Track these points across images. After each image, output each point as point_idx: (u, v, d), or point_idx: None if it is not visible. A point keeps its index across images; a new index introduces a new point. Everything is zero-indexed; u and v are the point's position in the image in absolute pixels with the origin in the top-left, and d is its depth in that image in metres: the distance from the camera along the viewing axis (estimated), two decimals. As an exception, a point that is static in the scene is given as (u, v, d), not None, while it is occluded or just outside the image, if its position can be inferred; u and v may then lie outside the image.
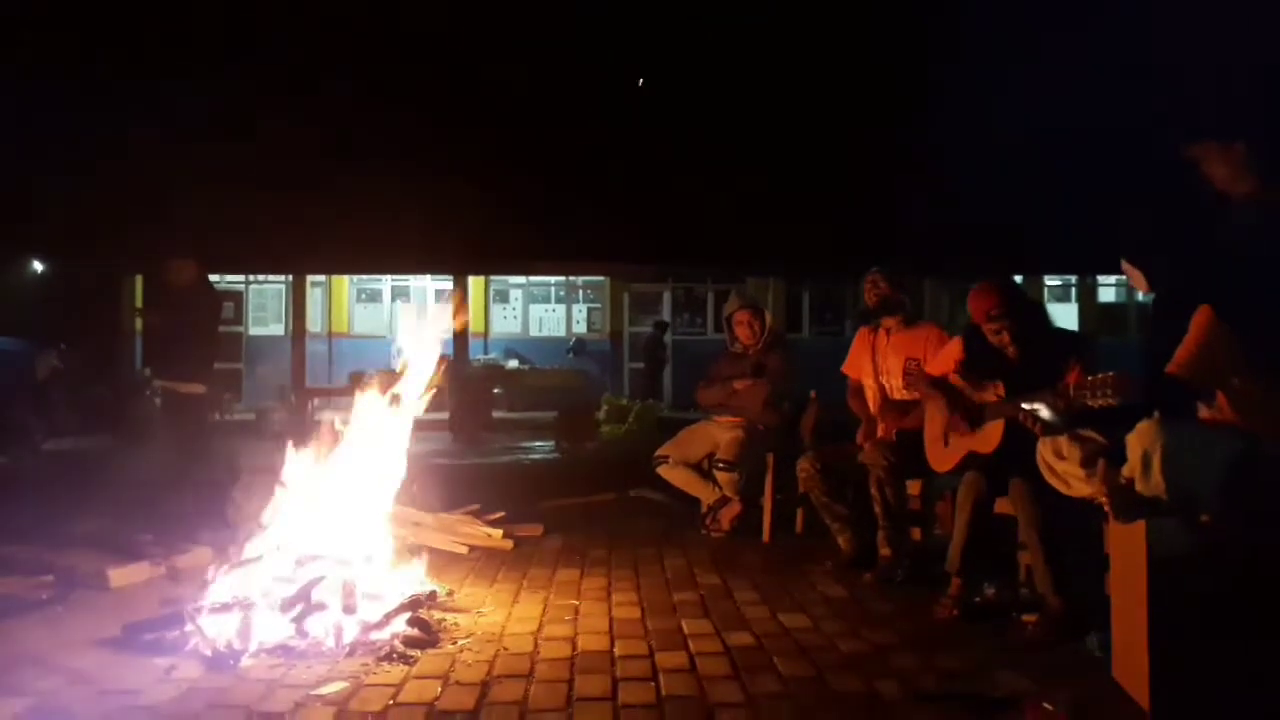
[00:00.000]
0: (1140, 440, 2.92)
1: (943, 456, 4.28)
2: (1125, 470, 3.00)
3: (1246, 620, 2.87)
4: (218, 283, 14.36)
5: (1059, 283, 19.41)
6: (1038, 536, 3.64)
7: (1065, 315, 16.78)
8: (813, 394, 5.77)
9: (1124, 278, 16.38)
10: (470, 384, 12.88)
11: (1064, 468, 3.32)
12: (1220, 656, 2.87)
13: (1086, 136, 11.46)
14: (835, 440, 5.18)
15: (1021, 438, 3.70)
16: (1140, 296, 19.16)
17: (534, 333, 19.21)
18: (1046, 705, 2.69)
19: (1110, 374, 3.23)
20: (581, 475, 8.22)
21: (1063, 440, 3.39)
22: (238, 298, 17.83)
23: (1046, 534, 3.62)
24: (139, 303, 14.41)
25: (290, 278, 17.34)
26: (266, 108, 11.82)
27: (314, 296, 18.03)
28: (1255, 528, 2.91)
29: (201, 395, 6.48)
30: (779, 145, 12.77)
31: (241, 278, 18.00)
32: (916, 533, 4.73)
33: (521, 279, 19.09)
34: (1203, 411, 3.05)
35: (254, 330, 18.27)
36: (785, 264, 15.19)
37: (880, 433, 4.87)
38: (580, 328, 19.32)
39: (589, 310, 19.54)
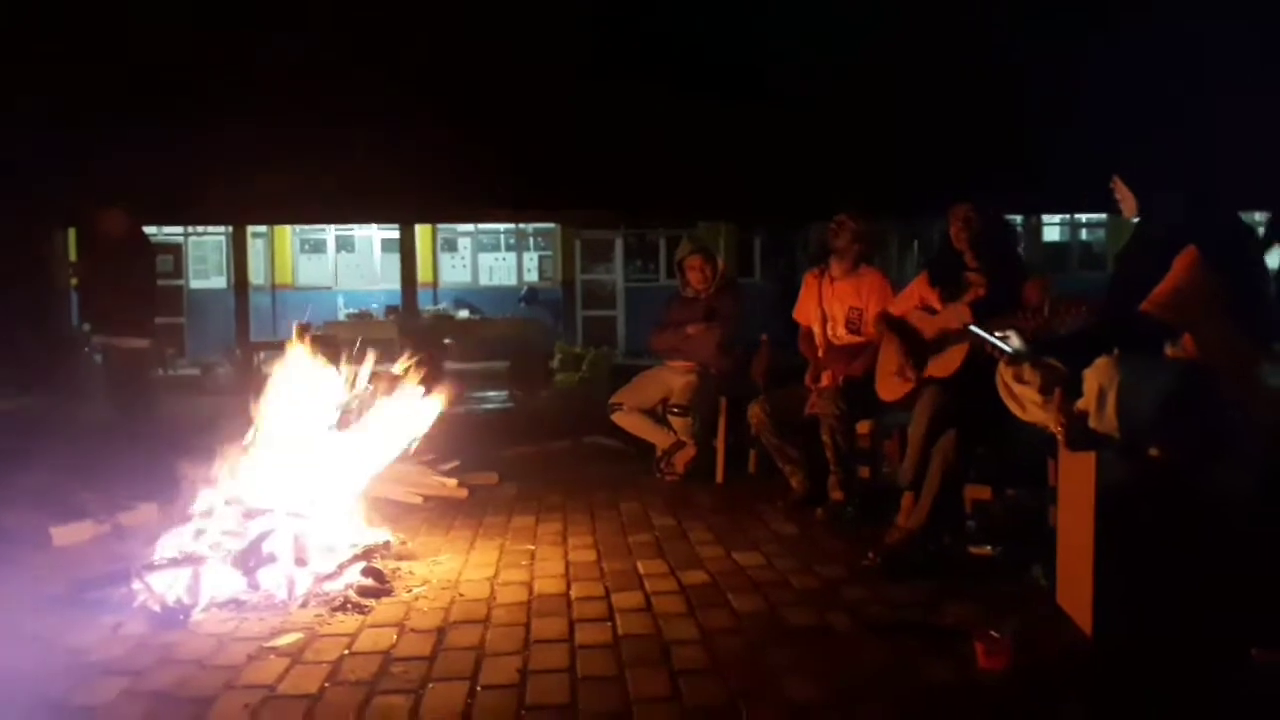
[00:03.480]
0: (1097, 376, 2.96)
1: (894, 385, 4.33)
2: (1080, 403, 3.05)
3: (1189, 551, 2.96)
4: (154, 235, 13.98)
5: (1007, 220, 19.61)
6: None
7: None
8: (764, 337, 5.80)
9: (1068, 217, 16.52)
10: (420, 335, 12.73)
11: (1022, 390, 3.36)
12: (1162, 585, 2.96)
13: (1045, 73, 11.44)
14: (786, 382, 5.22)
15: (980, 365, 3.76)
16: (1085, 225, 19.51)
17: (484, 282, 19.01)
18: (993, 633, 2.75)
19: (1083, 305, 3.28)
20: (536, 424, 8.20)
21: (1025, 366, 3.44)
22: (176, 250, 17.40)
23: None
24: (72, 256, 14.00)
25: (230, 229, 16.92)
26: (204, 54, 11.42)
27: (255, 248, 17.65)
28: (1204, 463, 2.98)
29: (143, 350, 6.33)
30: (729, 90, 12.66)
31: (179, 229, 17.54)
32: (865, 471, 4.80)
33: (470, 227, 18.84)
34: (1168, 349, 3.10)
35: (195, 283, 17.88)
36: (736, 209, 15.16)
37: (826, 380, 4.91)
38: (531, 276, 19.16)
39: (540, 258, 19.36)
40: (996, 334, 3.53)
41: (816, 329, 5.15)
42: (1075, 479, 3.15)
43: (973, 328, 3.77)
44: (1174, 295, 2.99)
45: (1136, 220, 3.43)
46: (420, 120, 11.66)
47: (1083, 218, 19.07)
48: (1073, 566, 3.15)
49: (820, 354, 5.08)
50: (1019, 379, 3.38)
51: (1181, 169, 3.38)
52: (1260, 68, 9.84)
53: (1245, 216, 3.24)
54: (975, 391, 3.69)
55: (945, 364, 4.06)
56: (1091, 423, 2.98)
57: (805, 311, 5.24)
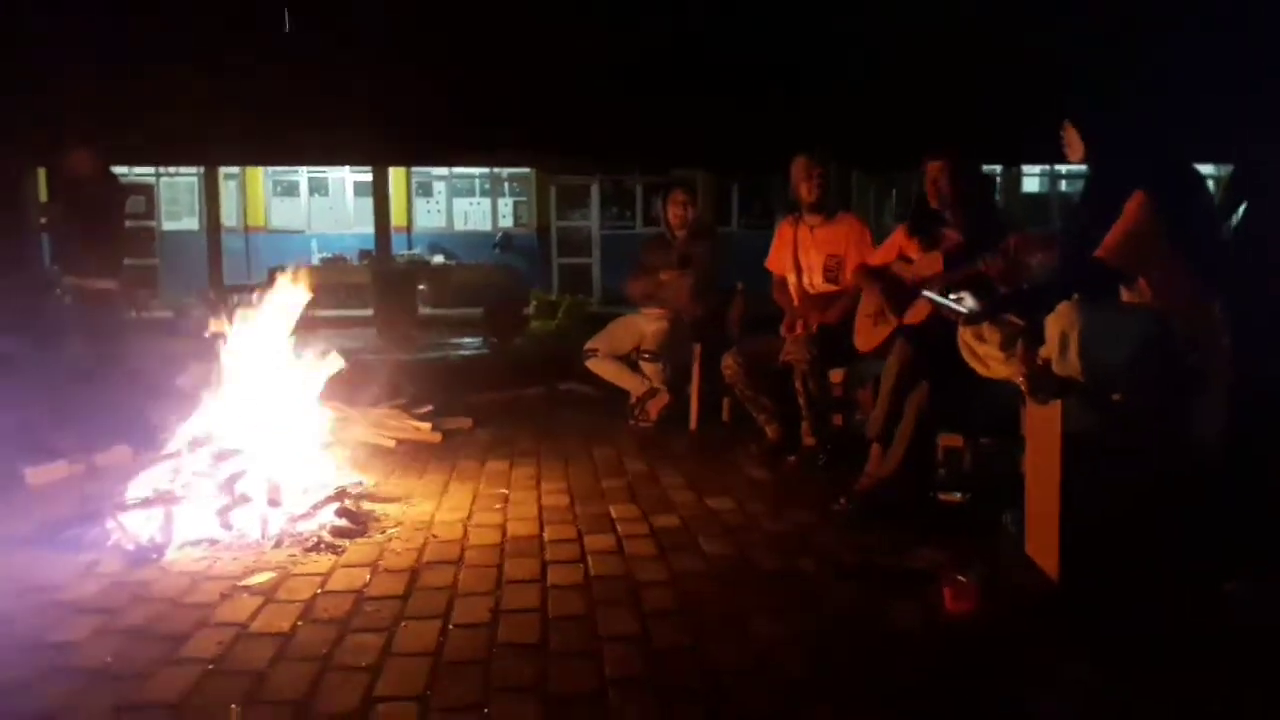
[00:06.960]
0: (1059, 322, 3.00)
1: (871, 335, 4.37)
2: (1043, 351, 3.09)
3: (1152, 497, 3.01)
4: (125, 175, 13.71)
5: (985, 172, 19.60)
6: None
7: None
8: (739, 285, 5.80)
9: (1048, 168, 16.46)
10: (394, 280, 12.63)
11: (984, 350, 3.39)
12: (1125, 531, 3.02)
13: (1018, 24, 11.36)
14: (761, 331, 5.23)
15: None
16: (1064, 177, 19.55)
17: (459, 227, 18.81)
18: (960, 577, 2.80)
19: (1050, 232, 3.31)
20: (510, 370, 8.19)
21: (983, 325, 3.46)
22: (148, 191, 17.10)
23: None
24: (43, 197, 13.76)
25: (202, 170, 16.63)
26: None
27: (228, 189, 17.38)
28: (1164, 405, 3.03)
29: (114, 291, 6.28)
30: (704, 35, 12.51)
31: (151, 170, 17.24)
32: (838, 419, 4.84)
33: (444, 171, 18.60)
34: (1124, 294, 3.14)
35: (168, 225, 17.62)
36: (713, 157, 15.07)
37: (800, 328, 4.91)
38: (506, 222, 18.98)
39: (515, 204, 19.16)
40: (951, 297, 3.56)
41: (791, 278, 5.13)
42: (1041, 427, 3.20)
43: (926, 293, 3.81)
44: (1125, 240, 3.02)
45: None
46: (396, 62, 11.49)
47: (1062, 169, 19.09)
48: (1040, 514, 3.20)
49: (796, 303, 5.07)
50: (979, 338, 3.42)
51: (1131, 114, 3.38)
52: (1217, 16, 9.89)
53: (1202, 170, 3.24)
54: (946, 340, 3.72)
55: (915, 312, 4.10)
56: (1055, 368, 3.02)
57: (779, 260, 5.20)
